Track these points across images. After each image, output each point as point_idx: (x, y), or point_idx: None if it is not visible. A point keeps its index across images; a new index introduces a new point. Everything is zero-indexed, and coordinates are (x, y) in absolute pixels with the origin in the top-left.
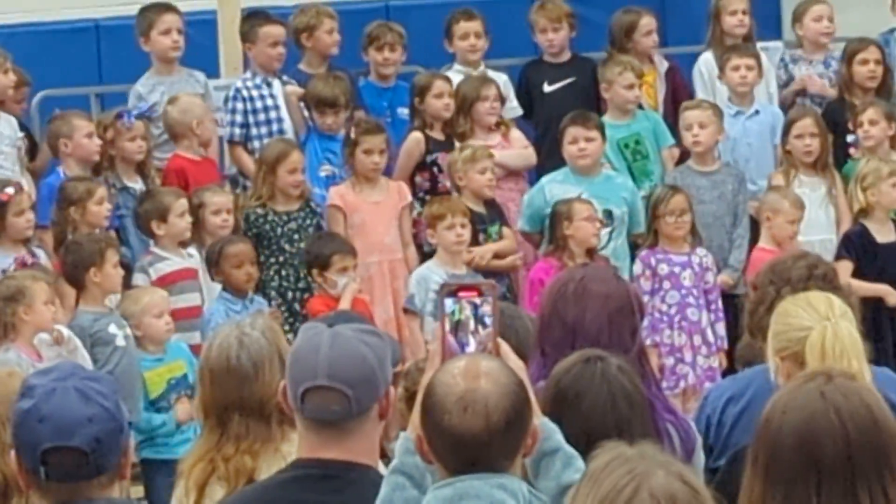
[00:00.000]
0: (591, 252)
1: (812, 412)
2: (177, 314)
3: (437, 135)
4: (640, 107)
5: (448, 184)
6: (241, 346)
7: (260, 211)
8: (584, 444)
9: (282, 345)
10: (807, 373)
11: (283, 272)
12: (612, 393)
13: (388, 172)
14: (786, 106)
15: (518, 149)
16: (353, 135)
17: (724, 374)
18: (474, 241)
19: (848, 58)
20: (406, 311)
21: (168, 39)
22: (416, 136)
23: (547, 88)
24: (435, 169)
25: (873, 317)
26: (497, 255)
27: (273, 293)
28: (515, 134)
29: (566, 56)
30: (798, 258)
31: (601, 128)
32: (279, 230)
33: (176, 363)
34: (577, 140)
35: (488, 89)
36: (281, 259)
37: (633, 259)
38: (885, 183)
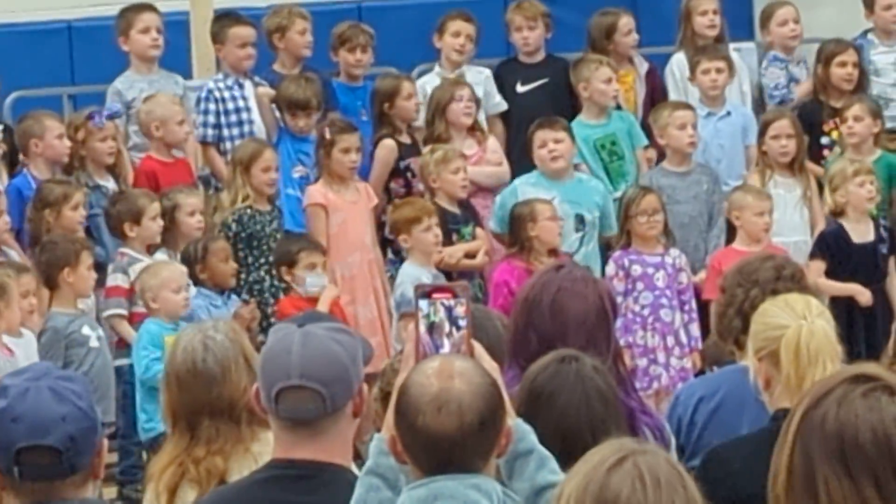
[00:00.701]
0: (553, 251)
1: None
2: (142, 316)
3: (406, 139)
4: (619, 107)
5: (422, 187)
6: (206, 350)
7: (249, 212)
8: (559, 443)
9: (245, 346)
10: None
11: (274, 271)
12: (586, 392)
13: (361, 172)
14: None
15: (493, 165)
16: (327, 135)
17: (698, 374)
18: (447, 242)
19: (825, 59)
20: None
21: (147, 38)
22: (389, 143)
23: (520, 89)
24: (409, 174)
25: (847, 317)
26: (468, 255)
27: (266, 294)
28: (492, 145)
29: (540, 56)
30: (765, 259)
31: (569, 130)
32: (267, 229)
33: None
34: (545, 143)
35: (461, 90)
36: (272, 259)
37: (604, 262)
38: (851, 183)
